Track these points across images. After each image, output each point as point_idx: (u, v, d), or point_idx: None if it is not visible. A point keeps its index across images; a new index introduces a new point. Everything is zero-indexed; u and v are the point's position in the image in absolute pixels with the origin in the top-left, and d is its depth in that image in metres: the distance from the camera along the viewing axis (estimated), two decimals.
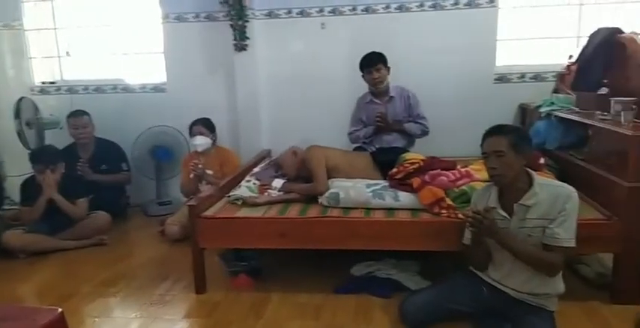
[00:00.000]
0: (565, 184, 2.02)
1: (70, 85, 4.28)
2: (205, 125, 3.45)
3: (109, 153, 3.89)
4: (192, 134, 3.45)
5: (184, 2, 3.97)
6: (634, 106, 2.34)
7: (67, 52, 4.30)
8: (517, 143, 1.95)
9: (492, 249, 2.07)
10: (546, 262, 1.93)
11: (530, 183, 1.98)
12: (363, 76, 3.30)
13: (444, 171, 2.59)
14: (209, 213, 2.59)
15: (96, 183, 3.66)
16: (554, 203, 1.92)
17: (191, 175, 3.34)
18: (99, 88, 4.24)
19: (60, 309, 1.54)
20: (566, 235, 1.90)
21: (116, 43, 4.23)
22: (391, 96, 3.32)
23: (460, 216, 2.31)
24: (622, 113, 2.34)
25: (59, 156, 3.39)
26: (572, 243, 1.91)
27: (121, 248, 3.32)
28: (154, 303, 2.51)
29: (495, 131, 2.00)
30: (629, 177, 2.20)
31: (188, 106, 3.96)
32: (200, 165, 3.28)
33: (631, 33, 2.92)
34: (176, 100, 4.09)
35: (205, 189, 3.10)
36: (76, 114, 3.82)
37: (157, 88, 4.17)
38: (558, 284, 2.01)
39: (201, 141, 3.38)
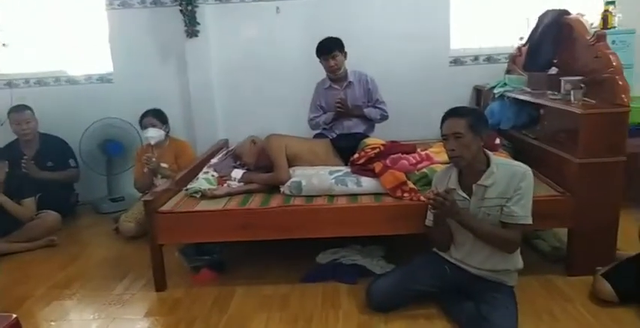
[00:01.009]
0: (521, 163, 2.09)
1: (9, 79, 4.00)
2: (157, 116, 3.33)
3: (54, 149, 3.70)
4: (143, 126, 3.32)
5: None
6: (582, 85, 2.42)
7: (4, 44, 4.01)
8: (475, 124, 1.98)
9: (453, 230, 2.12)
10: (504, 239, 1.99)
11: (487, 163, 2.02)
12: (320, 62, 3.25)
13: (405, 155, 2.60)
14: (166, 207, 2.51)
15: (42, 181, 3.48)
16: (510, 182, 1.98)
17: (145, 169, 3.21)
18: (41, 81, 4.00)
19: (14, 315, 1.46)
20: (522, 212, 1.96)
21: (57, 32, 3.99)
22: (350, 82, 3.30)
23: (422, 198, 2.33)
24: (572, 92, 2.41)
25: (1, 154, 3.23)
26: (529, 220, 1.98)
27: (74, 248, 3.16)
28: (112, 303, 2.42)
29: (453, 113, 2.04)
30: (580, 154, 2.28)
31: (138, 97, 3.79)
32: (153, 159, 3.16)
33: (577, 14, 3.01)
34: (124, 91, 3.92)
35: (161, 183, 2.99)
36: (18, 109, 3.61)
37: (103, 79, 3.98)
38: (517, 261, 2.08)
39: (154, 134, 3.26)
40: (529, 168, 2.03)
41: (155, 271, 2.48)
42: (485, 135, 2.05)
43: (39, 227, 3.19)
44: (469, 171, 2.04)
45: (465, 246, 2.10)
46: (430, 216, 2.18)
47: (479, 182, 2.00)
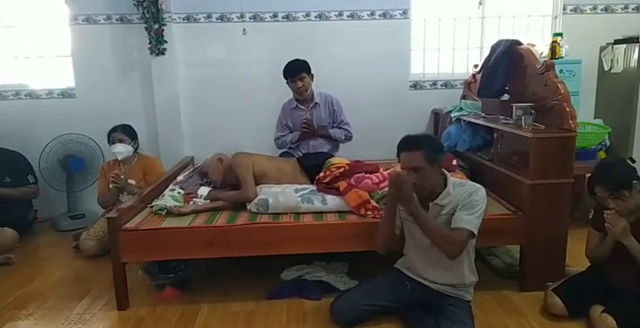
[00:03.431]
0: (477, 184, 2.17)
1: None
2: (125, 132, 3.30)
3: (12, 165, 3.58)
4: (111, 142, 3.28)
5: (95, 3, 3.79)
6: (533, 111, 2.58)
7: None
8: (431, 155, 2.02)
9: (407, 245, 2.20)
10: (450, 238, 1.99)
11: (445, 184, 2.10)
12: (287, 83, 3.33)
13: (368, 175, 2.69)
14: (131, 224, 2.48)
15: None
16: (462, 197, 2.06)
17: (111, 186, 3.17)
18: (0, 94, 3.90)
19: None
20: (467, 218, 2.00)
21: (18, 45, 3.91)
22: (316, 103, 3.39)
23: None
24: (522, 117, 2.56)
25: None
26: (473, 228, 2.00)
27: (31, 266, 3.06)
28: (72, 323, 2.35)
29: (409, 147, 2.04)
30: (531, 175, 2.41)
31: (101, 113, 3.78)
32: (122, 176, 3.13)
33: (527, 44, 3.23)
34: (87, 106, 3.88)
35: (126, 200, 2.95)
36: None
37: (65, 94, 3.92)
38: (470, 275, 2.17)
39: (122, 149, 3.24)
40: (483, 187, 2.12)
41: (117, 289, 2.44)
42: (442, 161, 2.12)
43: None
44: (429, 192, 2.11)
45: (418, 263, 2.19)
46: (385, 212, 2.23)
47: (435, 201, 2.08)
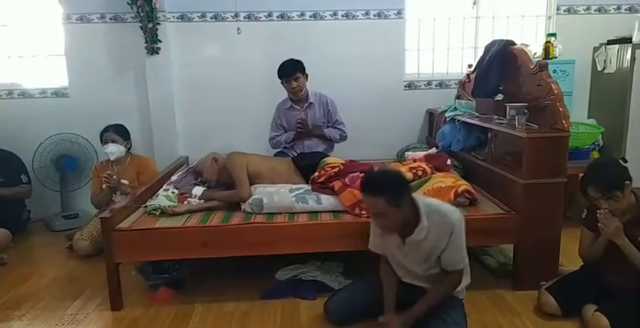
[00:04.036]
0: (450, 209, 2.05)
1: None
2: (117, 132, 3.29)
3: (5, 164, 3.57)
4: (103, 141, 3.27)
5: (88, 2, 3.77)
6: (526, 111, 2.59)
7: None
8: (394, 199, 1.92)
9: (392, 265, 2.20)
10: (451, 290, 2.09)
11: (417, 217, 2.00)
12: (282, 83, 3.33)
13: (363, 174, 2.68)
14: (124, 224, 2.47)
15: None
16: (442, 235, 1.99)
17: (104, 186, 3.16)
18: None
19: None
20: (458, 258, 2.04)
21: (11, 44, 3.89)
22: (311, 103, 3.39)
23: None
24: (516, 117, 2.57)
25: None
26: (465, 261, 2.07)
27: (24, 267, 3.05)
28: (65, 324, 2.34)
29: (370, 191, 1.94)
30: (524, 175, 2.43)
31: (95, 112, 3.76)
32: (114, 176, 3.12)
33: (521, 45, 3.24)
34: (81, 106, 3.86)
35: (119, 200, 2.94)
36: None
37: (59, 93, 3.90)
38: (464, 278, 2.16)
39: (114, 149, 3.22)
40: (456, 214, 2.03)
41: (111, 290, 2.43)
42: (410, 200, 2.00)
43: None
44: (402, 226, 2.04)
45: (407, 279, 2.19)
46: (373, 238, 2.23)
47: (411, 237, 2.02)
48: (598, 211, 2.13)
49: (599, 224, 2.12)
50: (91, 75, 3.85)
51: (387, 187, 1.93)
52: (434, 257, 2.05)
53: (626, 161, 2.16)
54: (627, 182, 2.07)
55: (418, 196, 2.10)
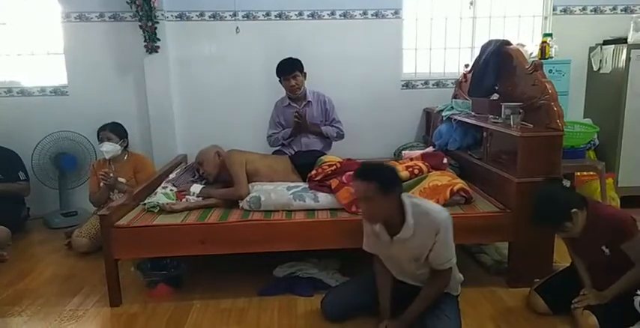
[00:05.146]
0: (437, 209, 2.05)
1: None
2: (113, 130, 3.30)
3: (4, 162, 3.58)
4: (99, 140, 3.28)
5: (87, 1, 3.78)
6: (521, 110, 2.62)
7: None
8: (384, 186, 1.93)
9: (386, 263, 2.21)
10: (440, 291, 2.12)
11: (403, 216, 2.01)
12: (280, 81, 3.35)
13: None
14: (123, 222, 2.49)
15: None
16: (429, 234, 2.00)
17: (101, 184, 3.18)
18: None
19: None
20: (445, 257, 2.04)
21: (10, 42, 3.90)
22: (308, 101, 3.42)
23: None
24: (511, 116, 2.60)
25: None
26: (453, 261, 2.07)
27: (23, 264, 3.07)
28: (64, 319, 2.36)
29: (362, 176, 1.97)
30: (518, 174, 2.45)
31: (93, 110, 3.78)
32: (111, 174, 3.13)
33: (517, 45, 3.26)
34: (80, 104, 3.88)
35: (117, 198, 2.96)
36: None
37: (58, 91, 3.91)
38: (455, 275, 2.18)
39: (109, 148, 3.24)
40: (443, 213, 2.03)
41: (110, 286, 2.45)
42: (398, 192, 2.01)
43: None
44: (387, 224, 2.06)
45: (398, 275, 2.22)
46: (366, 239, 2.24)
47: (398, 235, 2.03)
48: (572, 305, 2.16)
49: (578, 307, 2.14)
50: (90, 73, 3.86)
51: (380, 174, 1.98)
52: (423, 256, 2.06)
53: (570, 183, 2.16)
54: (574, 210, 2.05)
55: (407, 196, 2.10)
